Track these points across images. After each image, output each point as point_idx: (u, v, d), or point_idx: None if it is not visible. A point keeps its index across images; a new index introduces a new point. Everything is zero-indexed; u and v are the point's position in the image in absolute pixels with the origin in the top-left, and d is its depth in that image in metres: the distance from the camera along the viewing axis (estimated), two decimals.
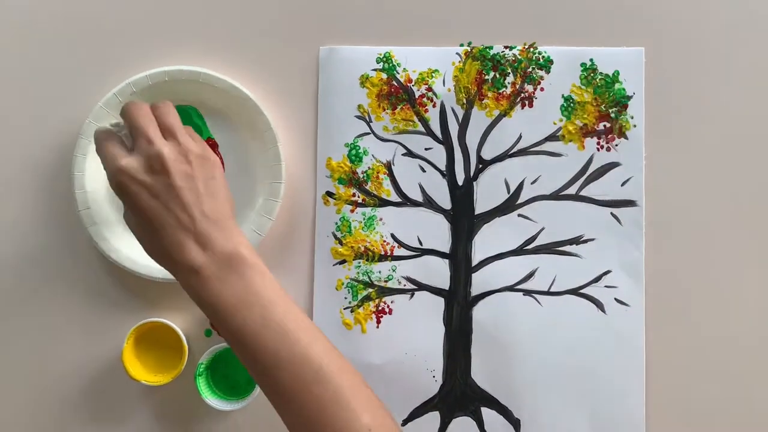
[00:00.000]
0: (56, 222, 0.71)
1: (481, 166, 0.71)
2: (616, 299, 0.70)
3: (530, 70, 0.71)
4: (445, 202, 0.71)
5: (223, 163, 0.70)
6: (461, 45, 0.71)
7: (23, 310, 0.70)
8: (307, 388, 0.51)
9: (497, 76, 0.71)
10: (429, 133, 0.71)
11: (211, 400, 0.67)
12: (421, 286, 0.71)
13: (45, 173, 0.71)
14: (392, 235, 0.71)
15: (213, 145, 0.70)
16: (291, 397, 0.51)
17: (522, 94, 0.71)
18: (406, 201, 0.71)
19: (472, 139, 0.71)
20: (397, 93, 0.71)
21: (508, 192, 0.71)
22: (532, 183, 0.71)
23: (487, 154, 0.71)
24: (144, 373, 0.68)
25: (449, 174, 0.71)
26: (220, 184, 0.56)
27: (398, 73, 0.71)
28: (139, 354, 0.68)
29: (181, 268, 0.53)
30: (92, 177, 0.69)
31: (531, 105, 0.71)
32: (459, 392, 0.71)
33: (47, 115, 0.71)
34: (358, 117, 0.71)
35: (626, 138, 0.71)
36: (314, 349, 0.53)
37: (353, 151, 0.71)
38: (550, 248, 0.71)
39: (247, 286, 0.53)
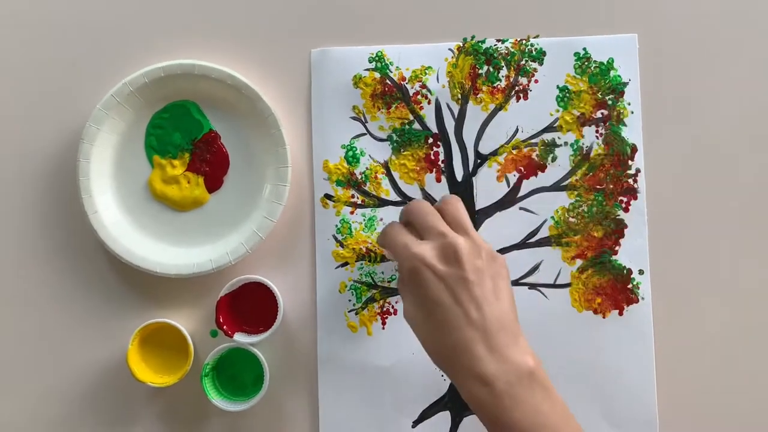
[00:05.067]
0: (59, 225, 0.71)
1: (479, 161, 0.71)
2: None
3: (523, 62, 0.71)
4: None
5: (227, 156, 0.71)
6: (464, 39, 0.71)
7: (27, 311, 0.71)
8: None
9: (491, 69, 0.71)
10: (425, 130, 0.71)
11: (218, 400, 0.67)
12: None
13: (47, 178, 0.71)
14: None
15: (215, 137, 0.70)
16: None
17: (516, 87, 0.71)
18: (405, 200, 0.71)
19: (469, 134, 0.71)
20: (391, 92, 0.71)
21: (508, 186, 0.70)
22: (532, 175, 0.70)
23: (485, 148, 0.71)
24: (149, 375, 0.68)
25: (448, 170, 0.71)
26: (507, 285, 0.53)
27: (391, 72, 0.71)
28: (145, 355, 0.69)
29: (469, 376, 0.49)
30: (97, 181, 0.69)
31: (526, 97, 0.70)
32: None
33: (45, 120, 0.71)
34: (353, 118, 0.71)
35: (624, 125, 0.69)
36: None
37: (350, 153, 0.71)
38: (554, 240, 0.70)
39: (537, 407, 0.49)
